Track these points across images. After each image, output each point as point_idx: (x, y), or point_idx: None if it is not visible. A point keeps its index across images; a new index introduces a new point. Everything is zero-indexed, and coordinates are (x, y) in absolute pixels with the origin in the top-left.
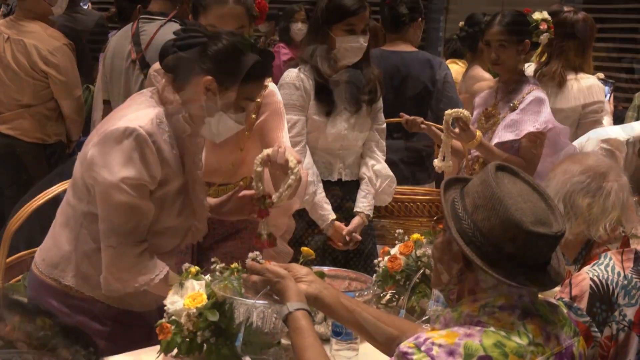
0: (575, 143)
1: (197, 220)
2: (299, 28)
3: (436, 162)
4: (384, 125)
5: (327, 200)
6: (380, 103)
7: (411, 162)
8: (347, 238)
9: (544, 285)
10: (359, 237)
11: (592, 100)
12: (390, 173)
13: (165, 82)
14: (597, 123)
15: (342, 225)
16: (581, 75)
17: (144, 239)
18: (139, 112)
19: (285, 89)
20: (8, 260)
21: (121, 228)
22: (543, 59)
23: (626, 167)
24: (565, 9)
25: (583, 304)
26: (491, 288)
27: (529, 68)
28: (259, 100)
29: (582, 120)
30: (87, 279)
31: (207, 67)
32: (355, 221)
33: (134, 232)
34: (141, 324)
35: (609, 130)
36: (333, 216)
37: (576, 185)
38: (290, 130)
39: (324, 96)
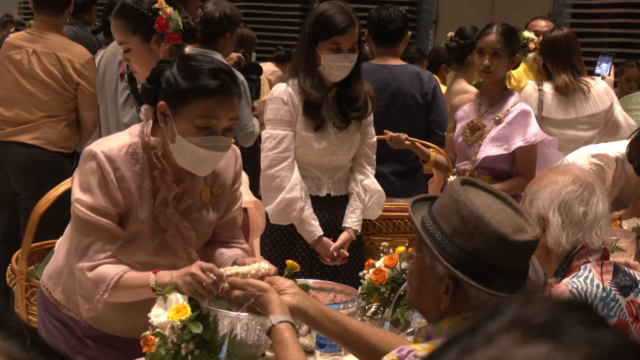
0: (567, 158)
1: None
2: None
3: None
4: (374, 140)
5: (315, 217)
6: (370, 117)
7: (401, 175)
8: (335, 254)
9: (529, 292)
10: (347, 253)
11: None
12: (380, 188)
13: (146, 115)
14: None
15: (329, 241)
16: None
17: (102, 260)
18: (117, 139)
19: (274, 103)
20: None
21: (79, 246)
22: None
23: (615, 183)
24: (543, 23)
25: None
26: (481, 304)
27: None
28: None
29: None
30: (72, 295)
31: (161, 92)
32: (343, 237)
33: (89, 250)
34: (126, 349)
35: (600, 146)
36: (320, 232)
37: (571, 194)
38: (278, 145)
39: (312, 111)
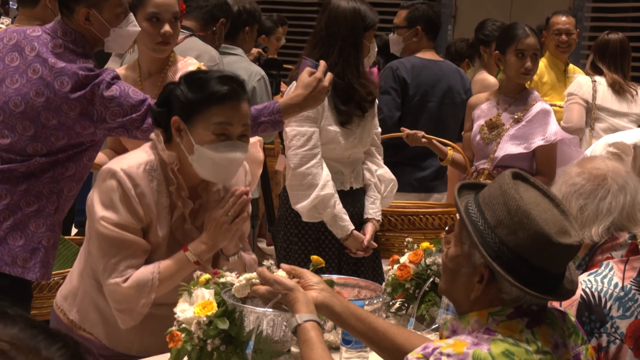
0: (589, 149)
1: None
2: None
3: None
4: (380, 129)
5: (345, 211)
6: (376, 106)
7: (426, 169)
8: (363, 246)
9: (563, 295)
10: (375, 245)
11: None
12: (393, 176)
13: (158, 138)
14: None
15: (360, 234)
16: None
17: (132, 272)
18: (133, 156)
19: None
20: None
21: (108, 263)
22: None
23: (634, 171)
24: (564, 18)
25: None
26: (513, 299)
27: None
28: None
29: None
30: (87, 316)
31: (173, 109)
32: (370, 228)
33: (120, 265)
34: None
35: (617, 134)
36: (352, 227)
37: (571, 187)
38: (306, 142)
39: (342, 106)
